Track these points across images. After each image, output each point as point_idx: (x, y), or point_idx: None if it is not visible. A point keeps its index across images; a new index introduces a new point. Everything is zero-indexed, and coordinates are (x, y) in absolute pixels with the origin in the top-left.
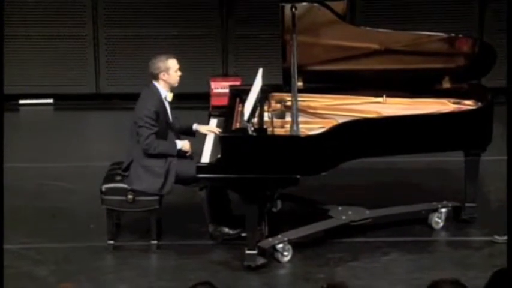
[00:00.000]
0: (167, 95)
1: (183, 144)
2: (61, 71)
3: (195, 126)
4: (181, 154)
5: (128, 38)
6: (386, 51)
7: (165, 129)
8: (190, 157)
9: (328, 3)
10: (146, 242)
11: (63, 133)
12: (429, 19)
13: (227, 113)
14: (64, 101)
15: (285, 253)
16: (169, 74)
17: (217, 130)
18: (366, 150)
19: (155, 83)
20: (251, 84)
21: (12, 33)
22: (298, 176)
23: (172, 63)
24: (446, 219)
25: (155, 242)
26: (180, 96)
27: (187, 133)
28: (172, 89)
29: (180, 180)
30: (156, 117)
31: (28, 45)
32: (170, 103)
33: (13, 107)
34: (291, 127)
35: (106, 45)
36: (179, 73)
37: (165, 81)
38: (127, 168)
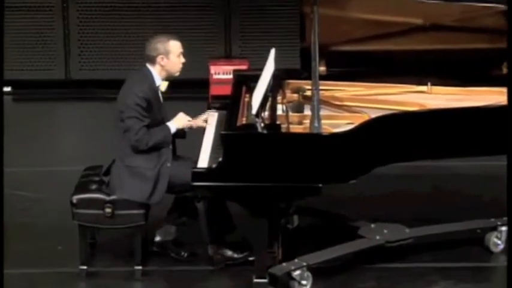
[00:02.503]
0: (161, 84)
1: (177, 124)
2: (21, 51)
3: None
4: (176, 155)
5: (106, 10)
6: (433, 27)
7: (158, 123)
8: (186, 159)
9: None
10: (129, 268)
11: (25, 130)
12: None
13: (230, 105)
14: (25, 90)
15: (303, 282)
16: (168, 58)
17: (203, 119)
18: (405, 153)
19: (150, 67)
20: (261, 69)
21: None
22: (320, 185)
23: (175, 46)
24: (508, 240)
25: (139, 267)
26: (172, 85)
27: (176, 134)
28: (169, 77)
29: (172, 188)
30: (147, 106)
31: None
32: (162, 94)
33: None
34: (311, 123)
35: (78, 18)
36: (182, 59)
37: (162, 67)
38: (108, 172)
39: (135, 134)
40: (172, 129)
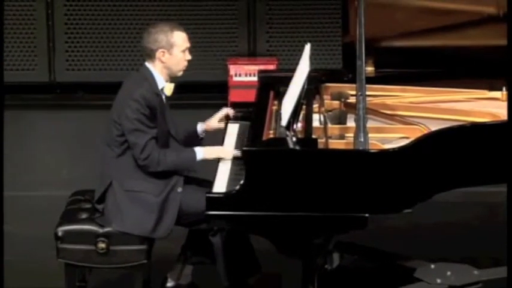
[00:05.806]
0: (165, 86)
1: (210, 155)
2: None
3: (201, 127)
4: (189, 177)
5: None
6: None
7: (165, 137)
8: (202, 182)
9: None
10: None
11: None
12: None
13: (255, 115)
14: None
15: None
16: (171, 53)
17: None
18: (474, 175)
19: (149, 65)
20: (293, 70)
21: None
22: (366, 215)
23: (180, 39)
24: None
25: None
26: (181, 89)
27: (191, 142)
28: (172, 78)
29: (181, 219)
30: (151, 114)
31: None
32: (168, 98)
33: None
34: (356, 137)
35: (66, 6)
36: (188, 56)
37: (163, 63)
38: (102, 199)
39: (141, 152)
40: (199, 156)
